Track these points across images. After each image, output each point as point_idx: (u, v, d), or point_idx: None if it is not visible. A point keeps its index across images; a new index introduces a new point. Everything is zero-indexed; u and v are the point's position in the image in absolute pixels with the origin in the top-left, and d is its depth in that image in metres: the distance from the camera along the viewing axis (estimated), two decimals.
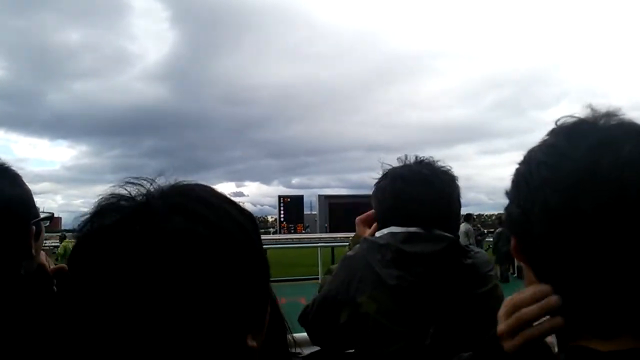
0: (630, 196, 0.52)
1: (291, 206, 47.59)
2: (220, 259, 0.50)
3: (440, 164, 1.36)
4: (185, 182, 0.59)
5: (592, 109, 0.61)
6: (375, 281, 1.20)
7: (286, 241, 21.05)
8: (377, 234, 1.32)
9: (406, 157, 1.39)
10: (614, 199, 0.53)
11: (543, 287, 0.61)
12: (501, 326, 0.66)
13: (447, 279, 1.20)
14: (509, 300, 0.66)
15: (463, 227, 13.97)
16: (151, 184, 0.56)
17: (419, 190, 1.28)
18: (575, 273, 0.57)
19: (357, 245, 1.33)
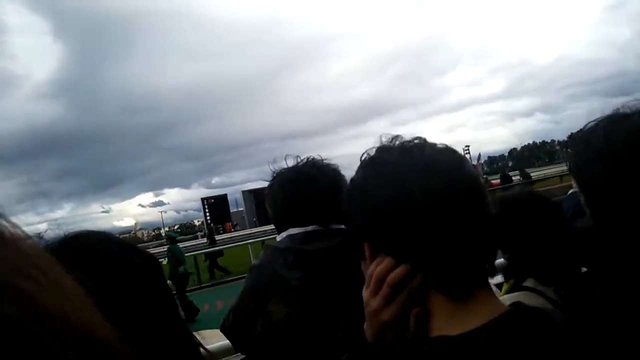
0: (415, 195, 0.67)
1: (216, 206, 46.94)
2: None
3: (326, 161, 1.43)
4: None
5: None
6: (282, 286, 1.23)
7: (218, 243, 20.61)
8: (277, 238, 1.36)
9: (287, 157, 1.45)
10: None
11: (388, 259, 0.71)
12: (373, 302, 0.73)
13: (347, 271, 1.21)
14: (370, 275, 0.73)
15: None
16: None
17: (308, 190, 1.33)
18: (411, 249, 0.69)
19: (262, 253, 1.37)
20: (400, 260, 0.70)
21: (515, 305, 0.71)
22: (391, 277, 0.70)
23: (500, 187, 14.71)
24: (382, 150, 0.75)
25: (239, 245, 16.79)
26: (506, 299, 1.24)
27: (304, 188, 1.34)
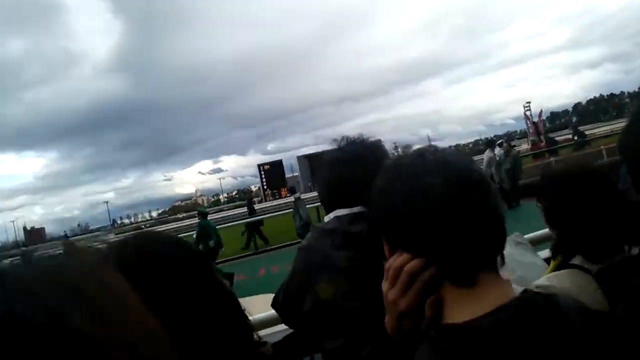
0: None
1: (272, 172, 47.81)
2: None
3: (371, 139, 1.42)
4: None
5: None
6: (329, 266, 1.25)
7: (273, 209, 21.01)
8: (325, 219, 1.38)
9: (342, 138, 1.44)
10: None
11: (405, 253, 0.77)
12: (391, 293, 0.80)
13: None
14: (388, 269, 0.80)
15: (486, 155, 13.25)
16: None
17: (356, 170, 1.32)
18: (426, 244, 0.74)
19: (309, 234, 1.38)
20: (417, 255, 0.76)
21: (525, 292, 0.74)
22: (408, 267, 0.76)
23: (546, 150, 13.80)
24: (400, 156, 0.84)
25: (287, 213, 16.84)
26: (552, 277, 1.21)
27: (351, 168, 1.33)
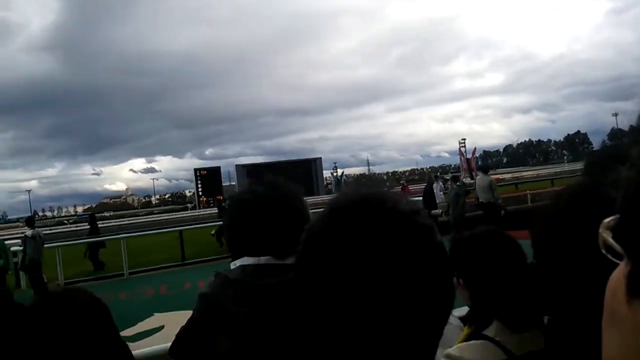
0: None
1: (208, 178, 46.85)
2: None
3: (288, 186, 1.33)
4: None
5: None
6: (229, 320, 1.18)
7: (206, 217, 20.52)
8: (231, 265, 1.29)
9: (252, 181, 1.37)
10: None
11: None
12: None
13: (295, 309, 1.20)
14: None
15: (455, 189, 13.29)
16: None
17: (266, 217, 1.25)
18: None
19: (213, 281, 1.29)
20: None
21: None
22: None
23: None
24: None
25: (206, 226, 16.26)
26: (464, 348, 1.23)
27: (262, 214, 1.25)
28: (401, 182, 34.85)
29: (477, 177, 13.44)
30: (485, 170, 13.48)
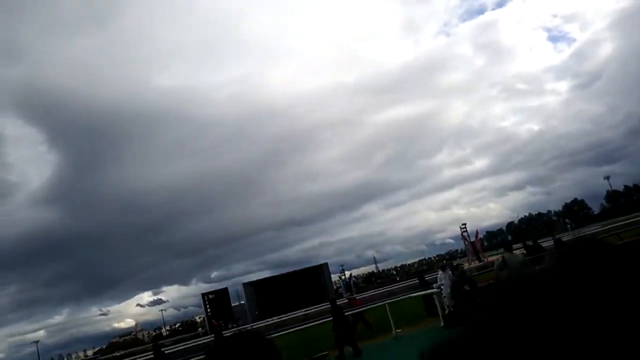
0: None
1: (217, 301, 46.01)
2: None
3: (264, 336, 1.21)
4: None
5: None
6: None
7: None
8: None
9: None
10: None
11: None
12: None
13: None
14: None
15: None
16: None
17: None
18: None
19: None
20: None
21: None
22: None
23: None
24: None
25: None
26: None
27: None
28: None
29: (502, 258, 12.15)
30: (508, 247, 12.40)
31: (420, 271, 15.61)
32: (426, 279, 19.52)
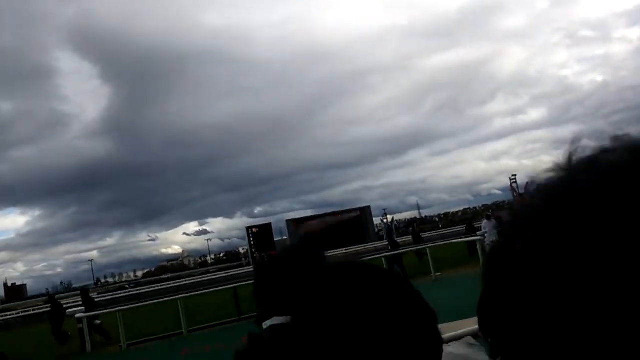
0: None
1: (260, 235, 47.33)
2: None
3: (314, 247, 1.44)
4: None
5: None
6: None
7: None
8: (263, 325, 1.31)
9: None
10: None
11: None
12: None
13: None
14: None
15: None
16: None
17: (292, 276, 1.29)
18: None
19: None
20: None
21: None
22: None
23: None
24: None
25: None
26: None
27: (288, 274, 1.28)
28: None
29: None
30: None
31: (468, 219, 15.66)
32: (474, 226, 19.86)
